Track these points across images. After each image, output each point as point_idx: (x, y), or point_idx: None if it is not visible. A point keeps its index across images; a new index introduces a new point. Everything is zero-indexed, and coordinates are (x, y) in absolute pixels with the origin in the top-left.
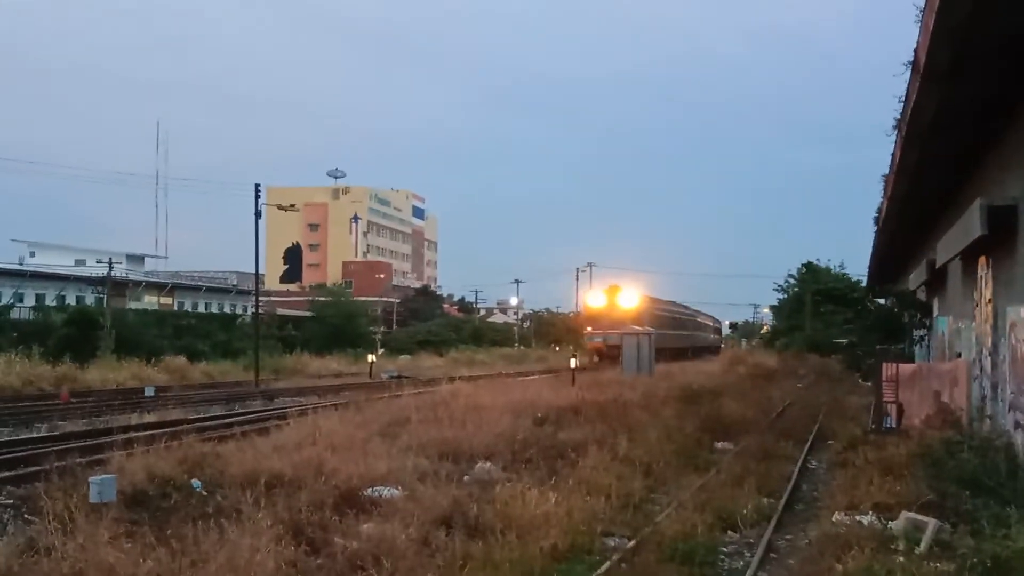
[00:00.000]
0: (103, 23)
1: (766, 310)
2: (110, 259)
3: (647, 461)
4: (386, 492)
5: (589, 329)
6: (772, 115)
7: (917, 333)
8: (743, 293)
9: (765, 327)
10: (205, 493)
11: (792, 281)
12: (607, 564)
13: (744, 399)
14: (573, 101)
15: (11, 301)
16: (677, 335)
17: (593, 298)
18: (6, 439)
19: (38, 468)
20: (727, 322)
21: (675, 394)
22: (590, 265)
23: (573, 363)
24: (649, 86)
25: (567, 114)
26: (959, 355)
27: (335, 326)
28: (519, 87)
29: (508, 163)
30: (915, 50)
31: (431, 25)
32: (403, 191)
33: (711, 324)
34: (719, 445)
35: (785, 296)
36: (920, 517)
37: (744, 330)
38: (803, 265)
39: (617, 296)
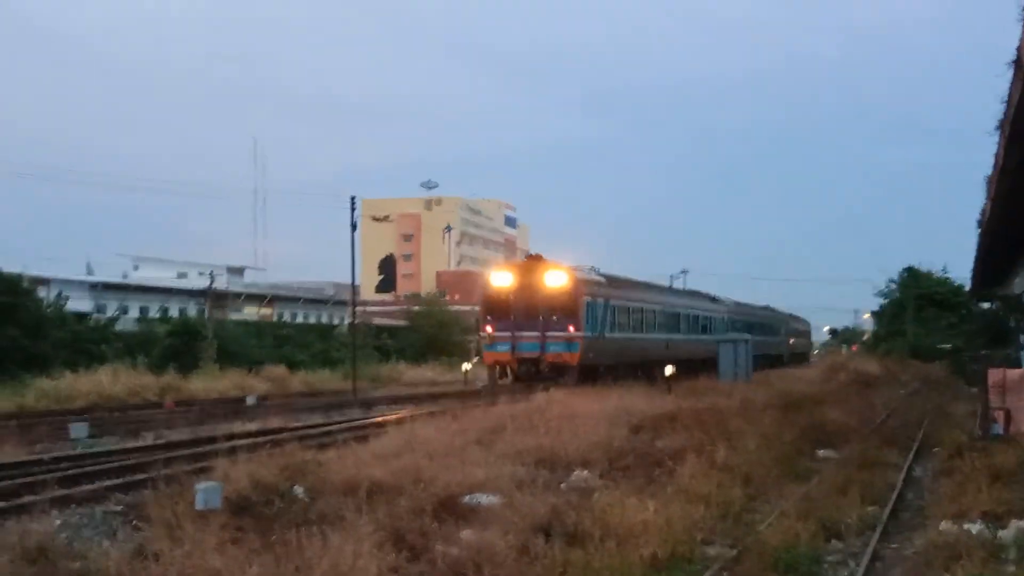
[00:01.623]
0: (201, 36)
1: (867, 316)
2: (211, 272)
3: (746, 469)
4: (484, 499)
5: (488, 330)
6: (872, 115)
7: None
8: (843, 298)
9: (866, 333)
10: (307, 500)
11: (893, 286)
12: (709, 573)
13: (846, 406)
14: (668, 105)
15: (116, 313)
16: (685, 340)
17: (498, 278)
18: (114, 448)
19: (145, 476)
20: (826, 328)
21: (774, 401)
22: (684, 272)
23: (668, 370)
24: (746, 89)
25: (662, 119)
26: None
27: (430, 335)
28: (612, 93)
29: (601, 169)
30: (1017, 49)
31: (524, 34)
32: (494, 201)
33: (791, 327)
34: (821, 453)
35: (886, 301)
36: None
37: (844, 335)
38: (904, 269)
39: (541, 275)
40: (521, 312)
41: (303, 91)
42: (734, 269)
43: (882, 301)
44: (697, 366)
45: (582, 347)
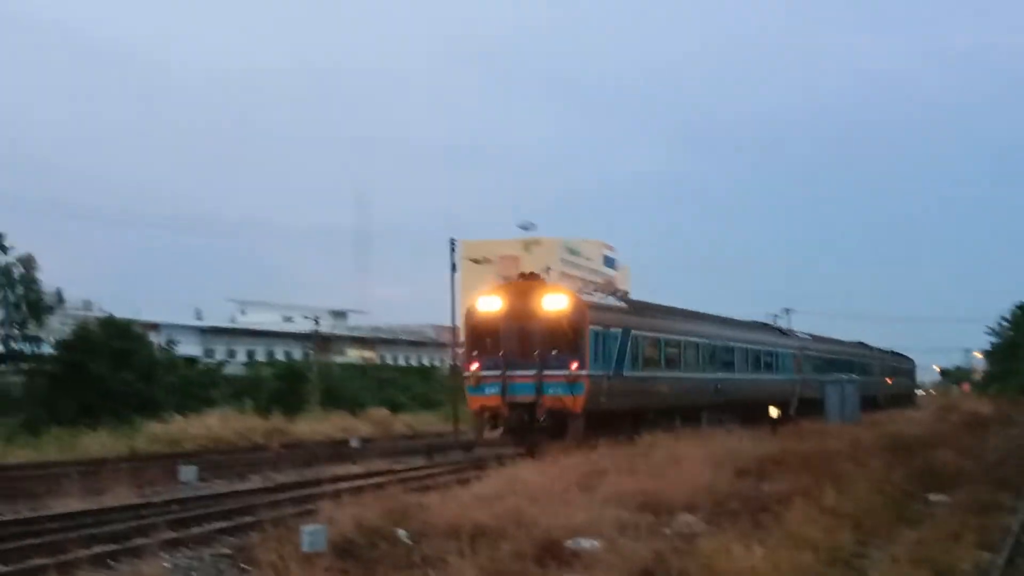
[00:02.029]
0: (303, 84)
1: (978, 354)
2: (316, 317)
3: (855, 514)
4: (586, 544)
5: (473, 367)
6: (981, 149)
7: None
8: (954, 336)
9: (978, 372)
10: (411, 543)
11: (1006, 323)
12: None
13: (957, 448)
14: (762, 139)
15: (224, 358)
16: (741, 380)
17: (486, 303)
18: (221, 491)
19: (253, 519)
20: (936, 367)
21: (883, 443)
22: (787, 311)
23: (774, 412)
24: (847, 122)
25: (758, 152)
26: None
27: None
28: (709, 129)
29: (700, 207)
30: None
31: (619, 75)
32: (594, 241)
33: (888, 365)
34: (932, 497)
35: (999, 340)
36: None
37: (955, 375)
38: (1017, 306)
39: (538, 299)
40: (514, 345)
41: (405, 136)
42: (840, 307)
43: (994, 339)
44: (759, 408)
45: (588, 389)
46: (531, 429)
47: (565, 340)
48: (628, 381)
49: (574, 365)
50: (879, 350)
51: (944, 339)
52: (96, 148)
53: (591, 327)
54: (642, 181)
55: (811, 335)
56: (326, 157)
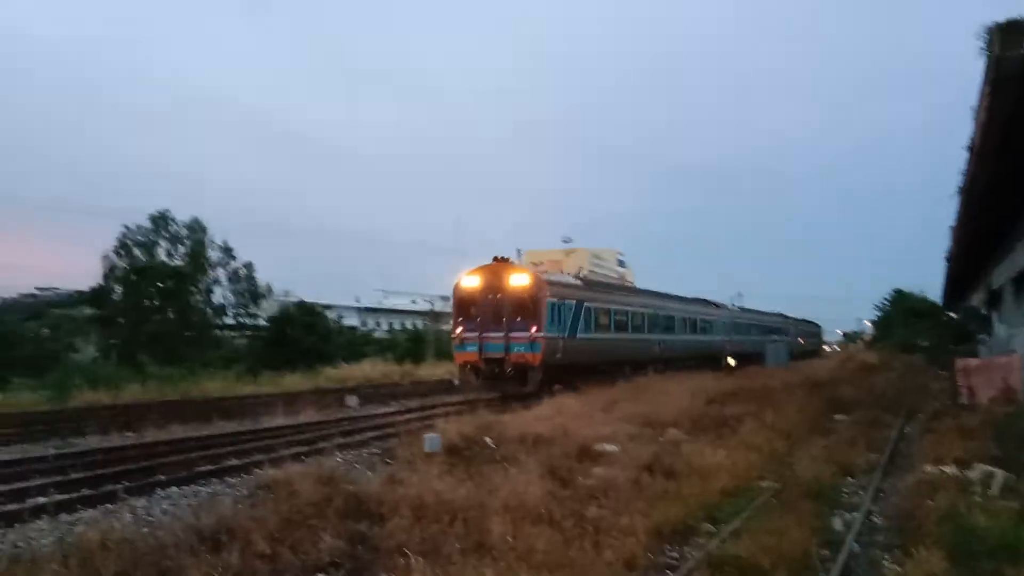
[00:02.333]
0: (415, 139)
1: (868, 323)
2: (431, 300)
3: (786, 429)
4: (608, 447)
5: (458, 331)
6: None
7: (980, 336)
8: (852, 310)
9: (865, 336)
10: (494, 446)
11: (886, 302)
12: (762, 498)
13: (854, 385)
14: (712, 176)
15: (374, 327)
16: (679, 340)
17: (468, 280)
18: (373, 412)
19: (393, 430)
20: (839, 331)
21: (803, 382)
22: (739, 295)
23: (731, 361)
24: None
25: (712, 186)
26: (1014, 351)
27: None
28: (680, 171)
29: (682, 226)
30: (971, 139)
31: (620, 140)
32: (610, 249)
33: (800, 329)
34: (837, 417)
35: (882, 313)
36: (990, 468)
37: (852, 337)
38: (893, 291)
39: (507, 277)
40: (488, 313)
41: (486, 179)
42: (780, 291)
43: (878, 313)
44: (698, 361)
45: (545, 348)
46: (501, 378)
47: (526, 310)
48: (580, 342)
49: (533, 329)
50: (794, 318)
51: (845, 312)
52: (281, 193)
53: (548, 299)
54: (640, 207)
55: (741, 308)
56: (432, 193)
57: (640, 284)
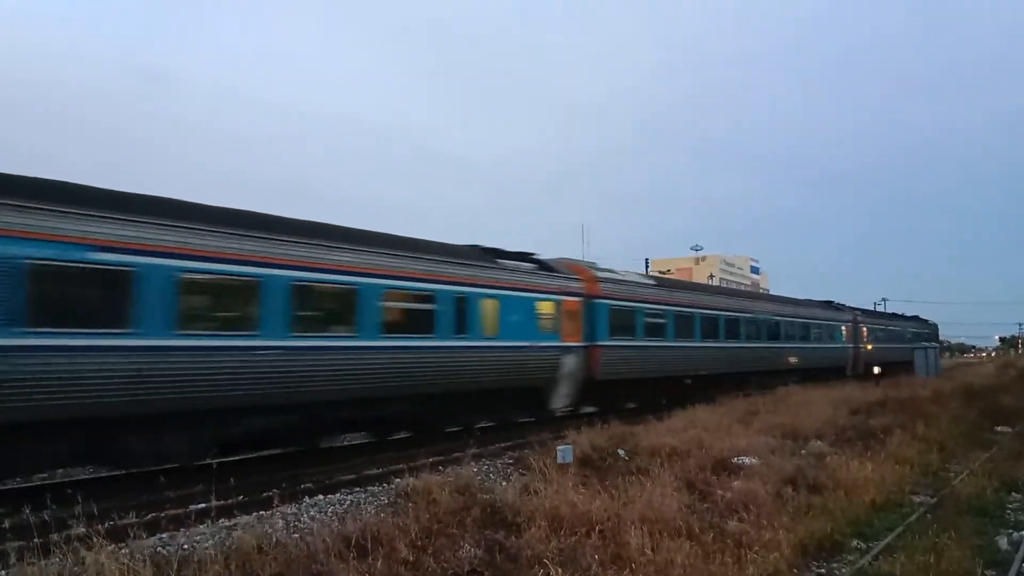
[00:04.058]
0: (551, 156)
1: None
2: None
3: (940, 440)
4: (747, 460)
5: None
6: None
7: None
8: (1010, 314)
9: None
10: (627, 458)
11: None
12: (916, 514)
13: (1015, 393)
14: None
15: None
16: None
17: None
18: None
19: (524, 441)
20: (996, 336)
21: (958, 391)
22: (884, 300)
23: (876, 370)
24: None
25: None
26: None
27: None
28: (825, 174)
29: (819, 225)
30: None
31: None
32: (743, 256)
33: (916, 332)
34: (999, 429)
35: None
36: None
37: (1010, 342)
38: None
39: None
40: None
41: (610, 187)
42: (928, 297)
43: None
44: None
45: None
46: None
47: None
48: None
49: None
50: (913, 317)
51: (1001, 317)
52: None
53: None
54: (781, 210)
55: (883, 312)
56: (557, 203)
57: (777, 291)
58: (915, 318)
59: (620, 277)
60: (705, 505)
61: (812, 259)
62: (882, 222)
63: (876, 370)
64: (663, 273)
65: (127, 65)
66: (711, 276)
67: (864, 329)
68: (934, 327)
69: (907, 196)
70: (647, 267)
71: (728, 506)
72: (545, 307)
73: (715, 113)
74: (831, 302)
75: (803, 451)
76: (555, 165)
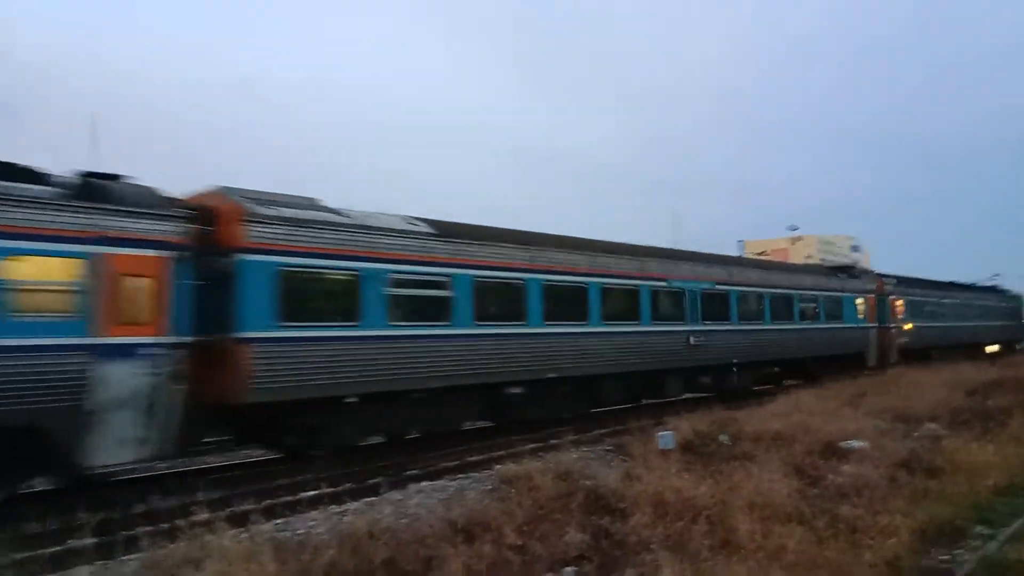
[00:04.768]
0: (635, 146)
1: None
2: None
3: None
4: (856, 444)
5: None
6: None
7: None
8: None
9: None
10: (730, 444)
11: None
12: None
13: None
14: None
15: None
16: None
17: None
18: (603, 409)
19: (624, 427)
20: None
21: None
22: (996, 275)
23: (990, 349)
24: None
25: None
26: None
27: None
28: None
29: (925, 202)
30: None
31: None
32: (842, 236)
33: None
34: None
35: None
36: None
37: None
38: None
39: None
40: None
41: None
42: None
43: None
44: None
45: None
46: None
47: None
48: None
49: None
50: (988, 288)
51: None
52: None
53: None
54: (880, 190)
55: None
56: (651, 195)
57: (876, 266)
58: (992, 289)
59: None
60: (815, 490)
61: (920, 238)
62: (998, 197)
63: (990, 349)
64: (758, 255)
65: (223, 74)
66: (808, 256)
67: (898, 303)
68: (1018, 300)
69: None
70: (741, 249)
71: (839, 491)
72: None
73: (807, 89)
74: (849, 267)
75: (916, 434)
76: (635, 151)
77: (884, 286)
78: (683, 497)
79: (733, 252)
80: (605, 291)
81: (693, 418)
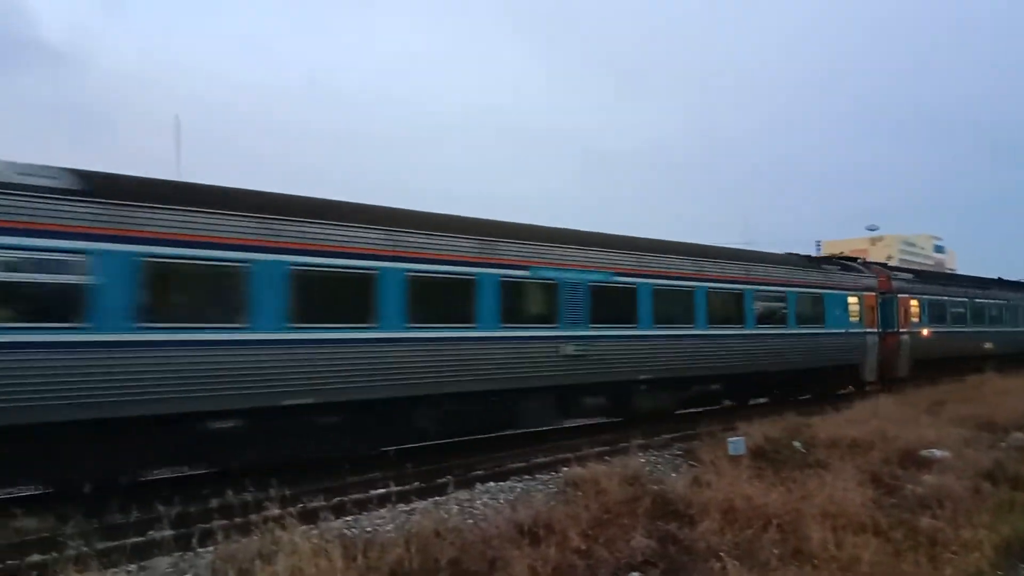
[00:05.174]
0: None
1: None
2: None
3: None
4: (937, 453)
5: None
6: None
7: None
8: None
9: None
10: (803, 451)
11: None
12: None
13: None
14: None
15: None
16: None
17: None
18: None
19: (693, 432)
20: None
21: None
22: None
23: None
24: None
25: None
26: None
27: None
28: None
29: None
30: None
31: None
32: (924, 235)
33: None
34: None
35: None
36: None
37: None
38: None
39: None
40: None
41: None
42: None
43: None
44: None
45: None
46: None
47: None
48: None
49: None
50: None
51: None
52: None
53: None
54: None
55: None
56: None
57: (962, 267)
58: None
59: None
60: (892, 500)
61: (1017, 239)
62: None
63: None
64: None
65: (285, 77)
66: (889, 257)
67: (912, 304)
68: None
69: None
70: (818, 249)
71: (919, 501)
72: None
73: (886, 75)
74: (845, 258)
75: (1003, 443)
76: (699, 150)
77: (892, 282)
78: (753, 504)
79: (811, 251)
80: (413, 281)
81: (765, 424)
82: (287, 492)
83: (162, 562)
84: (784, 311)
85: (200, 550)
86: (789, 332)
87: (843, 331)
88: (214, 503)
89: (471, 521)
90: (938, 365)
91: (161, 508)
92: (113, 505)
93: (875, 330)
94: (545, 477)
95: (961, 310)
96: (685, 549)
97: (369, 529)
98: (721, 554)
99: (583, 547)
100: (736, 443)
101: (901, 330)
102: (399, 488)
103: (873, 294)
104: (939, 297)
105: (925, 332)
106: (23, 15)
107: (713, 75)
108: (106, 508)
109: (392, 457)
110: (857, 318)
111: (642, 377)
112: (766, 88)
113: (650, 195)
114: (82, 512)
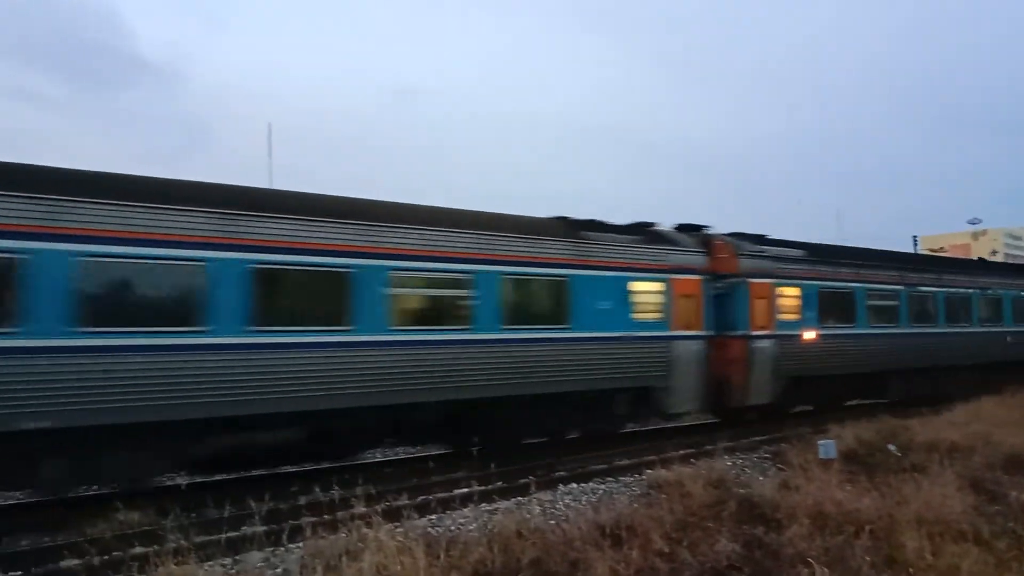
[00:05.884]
0: (797, 146)
1: None
2: None
3: None
4: None
5: None
6: None
7: None
8: None
9: None
10: (899, 454)
11: None
12: None
13: None
14: None
15: None
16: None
17: None
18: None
19: (782, 435)
20: None
21: None
22: None
23: None
24: None
25: None
26: None
27: None
28: None
29: None
30: None
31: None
32: None
33: None
34: None
35: None
36: None
37: None
38: None
39: None
40: None
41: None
42: None
43: None
44: None
45: None
46: None
47: None
48: None
49: None
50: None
51: None
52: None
53: None
54: None
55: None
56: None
57: None
58: None
59: None
60: (995, 507)
61: None
62: None
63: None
64: (935, 251)
65: (380, 85)
66: (993, 252)
67: (786, 293)
68: None
69: None
70: (915, 245)
71: None
72: None
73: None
74: (643, 223)
75: None
76: (798, 149)
77: (737, 259)
78: (844, 510)
79: (908, 250)
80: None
81: (859, 426)
82: (373, 490)
83: (255, 556)
84: (469, 306)
85: (290, 545)
86: (480, 338)
87: (617, 334)
88: (303, 500)
89: (553, 522)
90: (848, 383)
91: (253, 504)
92: (208, 500)
93: (697, 333)
94: (628, 479)
95: (891, 302)
96: (772, 554)
97: (452, 528)
98: (810, 560)
99: (666, 550)
100: (827, 446)
101: (754, 332)
102: (482, 488)
103: (696, 278)
104: (844, 283)
105: (808, 335)
106: (120, 31)
107: (823, 82)
108: (202, 503)
109: (475, 456)
110: (661, 316)
111: None
112: (876, 85)
113: (748, 193)
114: (179, 506)
